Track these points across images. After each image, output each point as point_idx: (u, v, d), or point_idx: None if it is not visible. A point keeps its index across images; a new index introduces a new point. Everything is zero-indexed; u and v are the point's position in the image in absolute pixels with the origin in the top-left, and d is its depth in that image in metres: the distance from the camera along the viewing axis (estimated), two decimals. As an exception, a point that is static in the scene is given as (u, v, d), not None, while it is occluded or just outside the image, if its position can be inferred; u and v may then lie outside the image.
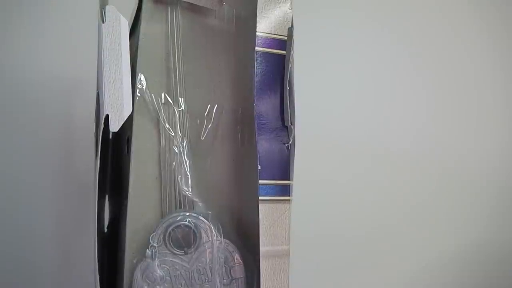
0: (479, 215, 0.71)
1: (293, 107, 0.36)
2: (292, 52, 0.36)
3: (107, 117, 0.33)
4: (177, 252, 0.34)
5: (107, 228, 0.41)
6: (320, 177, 0.66)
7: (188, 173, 0.35)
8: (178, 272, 0.34)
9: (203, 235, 0.34)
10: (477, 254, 0.70)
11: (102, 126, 0.33)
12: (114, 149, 0.40)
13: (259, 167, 0.34)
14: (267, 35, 0.36)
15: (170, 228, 0.34)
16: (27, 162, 0.58)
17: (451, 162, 0.70)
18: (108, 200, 0.41)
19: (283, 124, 0.36)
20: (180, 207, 0.35)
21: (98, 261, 0.33)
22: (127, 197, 0.35)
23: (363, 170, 0.67)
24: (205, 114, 0.37)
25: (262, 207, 0.34)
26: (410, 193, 0.69)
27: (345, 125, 0.67)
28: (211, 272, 0.34)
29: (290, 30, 0.36)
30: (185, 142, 0.36)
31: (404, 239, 0.68)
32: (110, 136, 0.40)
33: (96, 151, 0.35)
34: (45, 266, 0.58)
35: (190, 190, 0.35)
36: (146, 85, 0.35)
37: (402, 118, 0.69)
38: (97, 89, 0.36)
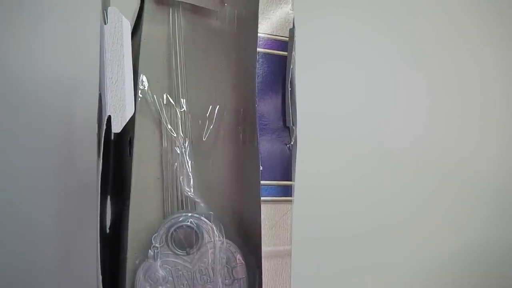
0: (480, 216, 0.71)
1: (295, 107, 0.36)
2: (293, 53, 0.36)
3: (109, 118, 0.33)
4: (179, 253, 0.34)
5: (109, 228, 0.41)
6: (321, 179, 0.66)
7: (190, 174, 0.35)
8: (180, 272, 0.34)
9: (205, 235, 0.34)
10: (477, 255, 0.71)
11: (104, 127, 0.33)
12: (116, 150, 0.40)
13: (261, 168, 0.34)
14: (269, 36, 0.36)
15: (172, 229, 0.34)
16: (27, 162, 0.58)
17: (452, 164, 0.70)
18: (110, 200, 0.41)
19: (285, 124, 0.36)
20: (182, 208, 0.35)
21: (100, 262, 0.33)
22: (129, 198, 0.35)
23: (364, 171, 0.68)
24: (207, 115, 0.37)
25: (264, 208, 0.34)
26: (411, 194, 0.69)
27: (347, 126, 0.68)
28: (213, 272, 0.34)
29: (292, 31, 0.36)
30: (187, 142, 0.36)
31: (406, 239, 0.69)
32: (112, 137, 0.40)
33: (99, 152, 0.35)
34: (45, 266, 0.58)
35: (192, 190, 0.35)
36: (148, 86, 0.36)
37: (404, 119, 0.69)
38: (99, 90, 0.36)
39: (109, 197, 0.40)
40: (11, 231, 0.58)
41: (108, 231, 0.40)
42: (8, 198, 0.58)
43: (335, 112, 0.67)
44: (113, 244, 0.39)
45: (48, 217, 0.59)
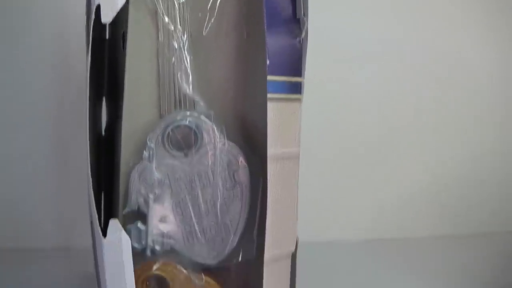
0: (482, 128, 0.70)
1: (306, -5, 0.32)
2: None
3: (98, 7, 0.29)
4: (176, 154, 0.32)
5: (105, 132, 0.38)
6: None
7: (188, 70, 0.32)
8: (178, 175, 0.31)
9: (205, 136, 0.31)
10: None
11: (93, 16, 0.30)
12: (110, 47, 0.36)
13: (268, 62, 0.31)
14: None
15: (169, 128, 0.31)
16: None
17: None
18: (106, 103, 0.38)
19: (295, 15, 0.32)
20: (180, 107, 0.32)
21: (91, 166, 0.31)
22: (122, 97, 0.32)
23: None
24: (208, 6, 0.33)
25: (270, 106, 0.31)
26: (409, 101, 0.67)
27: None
28: (213, 175, 0.32)
29: None
30: (185, 36, 0.32)
31: (404, 155, 0.68)
32: (107, 36, 0.37)
33: (87, 46, 0.32)
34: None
35: (190, 88, 0.32)
36: (141, -29, 0.32)
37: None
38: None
39: (104, 99, 0.38)
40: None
41: (103, 133, 0.38)
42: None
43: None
44: (108, 148, 0.36)
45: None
